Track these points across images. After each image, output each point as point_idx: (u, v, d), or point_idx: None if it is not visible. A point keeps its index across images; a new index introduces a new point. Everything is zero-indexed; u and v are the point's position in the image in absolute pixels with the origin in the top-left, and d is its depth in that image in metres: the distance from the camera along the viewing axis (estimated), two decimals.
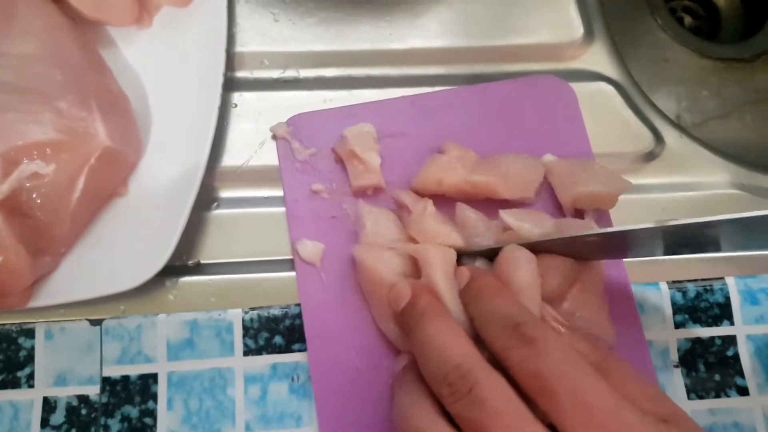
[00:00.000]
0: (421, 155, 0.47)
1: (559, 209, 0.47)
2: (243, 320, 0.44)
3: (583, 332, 0.39)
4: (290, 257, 0.46)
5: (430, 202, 0.44)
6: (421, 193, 0.46)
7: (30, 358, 0.43)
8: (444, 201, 0.46)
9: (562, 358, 0.31)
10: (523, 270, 0.39)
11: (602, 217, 0.47)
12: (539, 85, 0.51)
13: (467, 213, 0.44)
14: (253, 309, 0.44)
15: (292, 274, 0.46)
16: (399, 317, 0.39)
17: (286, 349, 0.44)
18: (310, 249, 0.45)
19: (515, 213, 0.43)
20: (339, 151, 0.47)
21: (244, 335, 0.44)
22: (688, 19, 0.72)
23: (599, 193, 0.45)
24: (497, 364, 0.33)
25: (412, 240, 0.43)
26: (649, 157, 0.51)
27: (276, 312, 0.44)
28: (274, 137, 0.49)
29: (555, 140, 0.49)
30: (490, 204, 0.45)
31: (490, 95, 0.50)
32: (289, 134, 0.48)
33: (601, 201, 0.46)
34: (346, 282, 0.45)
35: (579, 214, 0.47)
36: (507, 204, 0.46)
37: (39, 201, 0.42)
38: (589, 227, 0.44)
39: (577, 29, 0.54)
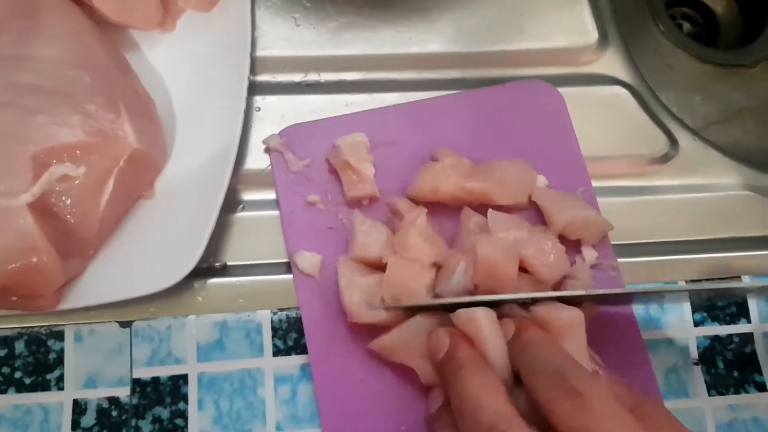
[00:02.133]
0: (414, 163, 0.47)
1: None
2: (272, 321, 0.44)
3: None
4: None
5: (424, 212, 0.44)
6: (416, 201, 0.46)
7: (60, 361, 0.43)
8: (440, 209, 0.46)
9: (608, 415, 0.32)
10: (566, 313, 0.39)
11: (603, 245, 0.48)
12: (527, 90, 0.52)
13: (474, 219, 0.45)
14: (281, 310, 0.45)
15: None
16: (437, 366, 0.39)
17: None
18: (309, 260, 0.45)
19: (498, 216, 0.44)
20: (333, 162, 0.48)
21: (273, 336, 0.44)
22: (686, 26, 0.74)
23: (584, 228, 0.46)
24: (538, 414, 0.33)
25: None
26: (664, 159, 0.52)
27: None
28: (267, 150, 0.49)
29: (544, 144, 0.50)
30: (483, 210, 0.45)
31: (478, 101, 0.51)
32: (283, 146, 0.48)
33: (587, 235, 0.47)
34: None
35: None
36: (501, 210, 0.46)
37: (69, 203, 0.42)
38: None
39: (592, 34, 0.55)
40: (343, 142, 0.47)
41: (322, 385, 0.43)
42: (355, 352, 0.44)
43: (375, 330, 0.43)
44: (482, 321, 0.38)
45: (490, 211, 0.45)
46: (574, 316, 0.39)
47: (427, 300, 0.42)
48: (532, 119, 0.51)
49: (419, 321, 0.42)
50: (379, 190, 0.47)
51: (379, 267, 0.44)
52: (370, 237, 0.44)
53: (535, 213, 0.48)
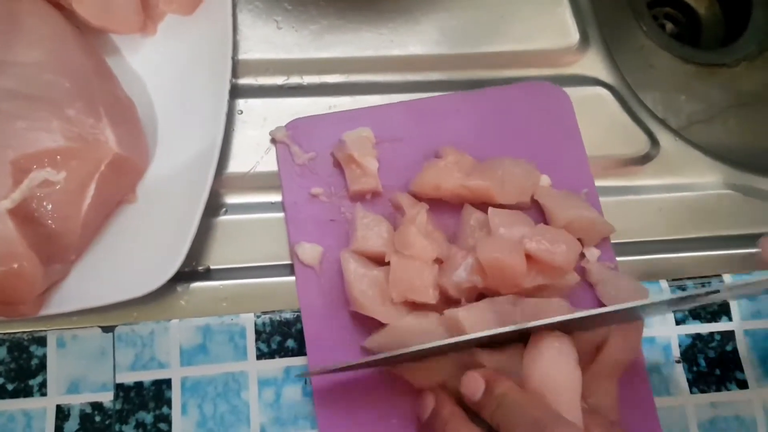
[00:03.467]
0: (418, 160, 0.48)
1: None
2: (255, 324, 0.44)
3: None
4: None
5: (425, 209, 0.45)
6: (418, 197, 0.47)
7: (42, 366, 0.43)
8: (442, 205, 0.47)
9: None
10: (563, 366, 0.38)
11: (604, 246, 0.48)
12: (534, 91, 0.52)
13: (475, 216, 0.45)
14: (265, 313, 0.45)
15: None
16: (424, 426, 0.41)
17: (298, 352, 0.44)
18: (309, 252, 0.46)
19: (499, 213, 0.45)
20: (337, 156, 0.48)
21: (257, 339, 0.44)
22: (669, 26, 0.74)
23: (586, 228, 0.46)
24: None
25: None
26: (645, 159, 0.53)
27: (288, 316, 0.45)
28: (273, 141, 0.49)
29: (550, 146, 0.50)
30: (484, 209, 0.46)
31: (485, 101, 0.51)
32: (289, 138, 0.49)
33: (588, 236, 0.47)
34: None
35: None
36: (503, 209, 0.46)
37: (50, 208, 0.42)
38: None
39: (573, 35, 0.55)
40: (348, 137, 0.47)
41: (318, 378, 0.43)
42: (352, 343, 0.44)
43: (373, 322, 0.43)
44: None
45: (490, 208, 0.45)
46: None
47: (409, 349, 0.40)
48: (539, 119, 0.51)
49: (410, 322, 0.42)
50: (382, 185, 0.47)
51: (379, 261, 0.44)
52: (372, 231, 0.45)
53: (537, 213, 0.48)
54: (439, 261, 0.44)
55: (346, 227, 0.47)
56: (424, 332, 0.41)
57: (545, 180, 0.48)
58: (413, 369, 0.42)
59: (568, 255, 0.43)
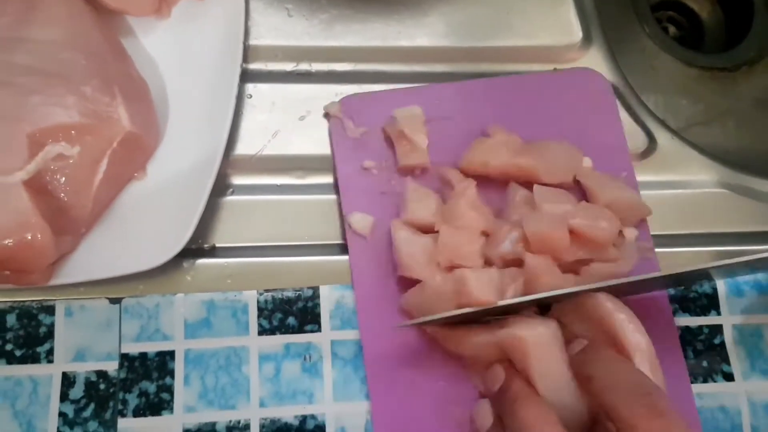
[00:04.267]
0: (465, 138, 0.50)
1: None
2: (258, 301, 0.46)
3: None
4: (302, 243, 0.48)
5: (473, 183, 0.47)
6: (466, 174, 0.49)
7: (50, 334, 0.44)
8: (488, 182, 0.48)
9: None
10: (639, 333, 0.40)
11: (642, 228, 0.50)
12: (579, 78, 0.54)
13: (520, 193, 0.47)
14: (267, 291, 0.46)
15: (304, 258, 0.48)
16: (493, 399, 0.42)
17: (299, 329, 0.46)
18: (361, 221, 0.48)
19: (544, 191, 0.46)
20: (389, 131, 0.50)
21: (259, 316, 0.46)
22: (672, 29, 0.75)
23: (625, 209, 0.48)
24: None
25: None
26: (643, 156, 0.54)
27: (290, 294, 0.46)
28: (327, 115, 0.51)
29: (591, 129, 0.52)
30: (529, 187, 0.47)
31: (530, 85, 0.53)
32: (342, 113, 0.50)
33: (627, 216, 0.48)
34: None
35: None
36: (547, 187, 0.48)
37: (63, 181, 0.43)
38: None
39: (576, 33, 0.57)
40: (399, 114, 0.49)
41: (370, 341, 0.45)
42: (401, 309, 0.46)
43: None
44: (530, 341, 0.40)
45: (536, 186, 0.47)
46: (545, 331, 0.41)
47: (444, 314, 0.43)
48: (581, 105, 0.53)
49: (438, 281, 0.44)
50: (430, 161, 0.49)
51: (427, 231, 0.46)
52: (421, 203, 0.47)
53: (578, 193, 0.49)
54: (485, 234, 0.46)
55: (396, 200, 0.48)
56: (453, 290, 0.43)
57: (587, 162, 0.50)
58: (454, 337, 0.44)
59: (609, 231, 0.45)
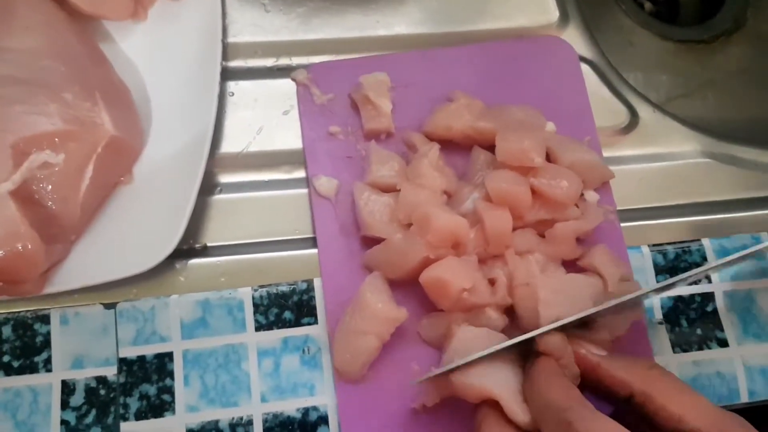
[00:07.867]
0: (430, 104, 0.51)
1: None
2: (253, 297, 0.46)
3: None
4: (294, 237, 0.48)
5: (437, 146, 0.47)
6: (431, 138, 0.49)
7: (46, 343, 0.44)
8: (453, 148, 0.49)
9: None
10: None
11: (605, 191, 0.51)
12: (543, 45, 0.55)
13: (483, 156, 0.48)
14: (262, 286, 0.46)
15: (297, 252, 0.48)
16: None
17: (295, 323, 0.46)
18: (326, 184, 0.48)
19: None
20: (354, 97, 0.51)
21: (255, 312, 0.46)
22: (648, 5, 0.76)
23: (587, 171, 0.48)
24: None
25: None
26: (626, 130, 0.54)
27: (284, 288, 0.46)
28: (294, 80, 0.52)
29: (555, 95, 0.53)
30: (492, 151, 0.47)
31: (495, 52, 0.54)
32: (309, 80, 0.51)
33: (589, 178, 0.49)
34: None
35: None
36: None
37: (50, 189, 0.43)
38: None
39: (553, 13, 0.57)
40: (365, 79, 0.50)
41: (332, 299, 0.46)
42: (363, 269, 0.47)
43: None
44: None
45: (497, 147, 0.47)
46: None
47: (455, 363, 0.39)
48: (546, 72, 0.54)
49: (399, 239, 0.45)
50: (395, 127, 0.50)
51: (390, 192, 0.47)
52: (385, 164, 0.48)
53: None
54: (447, 194, 0.47)
55: (361, 164, 0.49)
56: (411, 248, 0.44)
57: (550, 126, 0.51)
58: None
59: (570, 190, 0.46)
